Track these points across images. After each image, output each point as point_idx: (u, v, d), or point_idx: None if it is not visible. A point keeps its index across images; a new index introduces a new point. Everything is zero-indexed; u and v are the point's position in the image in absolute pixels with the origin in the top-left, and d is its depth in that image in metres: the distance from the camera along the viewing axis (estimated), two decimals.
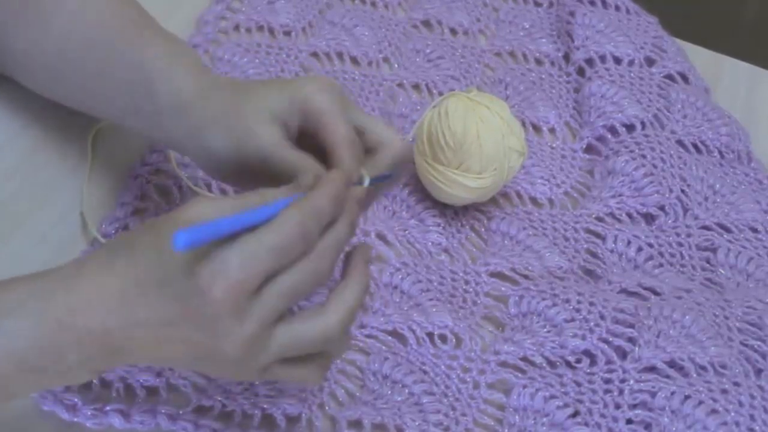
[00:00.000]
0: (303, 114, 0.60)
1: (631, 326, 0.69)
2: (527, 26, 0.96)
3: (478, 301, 0.73)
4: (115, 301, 0.52)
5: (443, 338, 0.69)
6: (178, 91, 0.63)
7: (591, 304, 0.70)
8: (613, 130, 0.85)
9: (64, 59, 0.69)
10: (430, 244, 0.76)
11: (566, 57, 0.93)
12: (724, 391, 0.67)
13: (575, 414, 0.66)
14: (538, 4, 0.99)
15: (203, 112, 0.62)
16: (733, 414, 0.66)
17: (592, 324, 0.70)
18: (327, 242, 0.53)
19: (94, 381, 0.63)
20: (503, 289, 0.73)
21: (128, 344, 0.53)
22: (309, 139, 0.60)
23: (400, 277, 0.72)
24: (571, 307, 0.70)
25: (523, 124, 0.86)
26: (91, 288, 0.52)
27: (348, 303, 0.55)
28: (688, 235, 0.79)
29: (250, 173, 0.60)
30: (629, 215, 0.80)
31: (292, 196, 0.53)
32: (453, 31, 0.94)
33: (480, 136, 0.73)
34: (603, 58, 0.90)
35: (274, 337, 0.53)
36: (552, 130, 0.87)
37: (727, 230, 0.80)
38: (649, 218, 0.80)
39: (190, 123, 0.63)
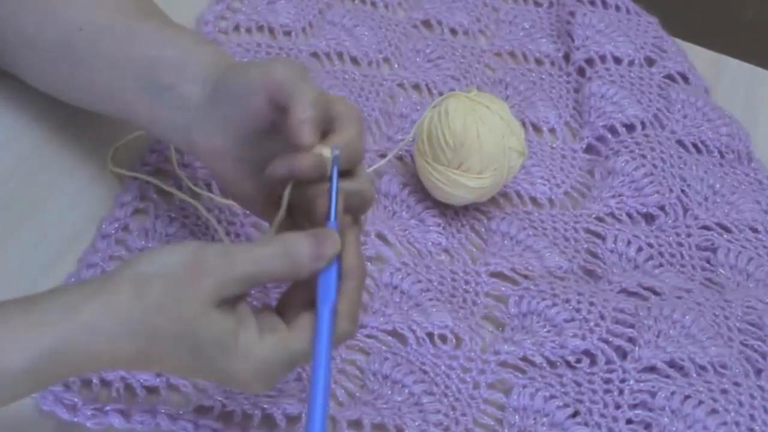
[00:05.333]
0: (268, 88, 0.59)
1: (631, 326, 0.69)
2: (527, 26, 0.96)
3: (478, 301, 0.73)
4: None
5: (443, 338, 0.69)
6: (190, 93, 0.64)
7: (591, 304, 0.70)
8: (613, 130, 0.85)
9: (71, 48, 0.68)
10: (430, 244, 0.76)
11: (566, 57, 0.93)
12: (724, 391, 0.67)
13: (575, 414, 0.66)
14: (538, 4, 0.99)
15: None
16: (733, 414, 0.66)
17: (592, 324, 0.70)
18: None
19: (94, 381, 0.63)
20: (503, 289, 0.73)
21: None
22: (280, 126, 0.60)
23: (400, 277, 0.72)
24: (571, 307, 0.70)
25: (523, 124, 0.86)
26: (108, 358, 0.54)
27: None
28: (688, 235, 0.79)
29: (248, 168, 0.62)
30: (629, 215, 0.80)
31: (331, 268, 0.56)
32: (453, 31, 0.94)
33: (480, 136, 0.73)
34: (603, 58, 0.90)
35: None
36: (552, 130, 0.87)
37: (727, 230, 0.80)
38: (649, 218, 0.80)
39: (188, 116, 0.64)
